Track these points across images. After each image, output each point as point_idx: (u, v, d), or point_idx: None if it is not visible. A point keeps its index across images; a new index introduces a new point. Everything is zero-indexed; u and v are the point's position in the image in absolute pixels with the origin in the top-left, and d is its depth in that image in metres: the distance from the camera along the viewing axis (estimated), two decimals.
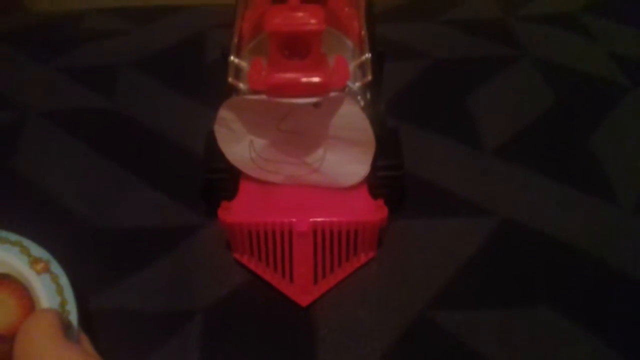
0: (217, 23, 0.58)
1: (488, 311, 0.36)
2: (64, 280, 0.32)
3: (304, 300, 0.36)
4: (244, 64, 0.36)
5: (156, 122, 0.48)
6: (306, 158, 0.37)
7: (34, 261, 0.33)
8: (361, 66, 0.36)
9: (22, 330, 0.27)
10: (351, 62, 0.36)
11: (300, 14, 0.31)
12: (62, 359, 0.26)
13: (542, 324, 0.35)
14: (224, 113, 0.35)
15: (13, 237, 0.33)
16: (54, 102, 0.50)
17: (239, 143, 0.36)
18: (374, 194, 0.38)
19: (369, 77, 0.36)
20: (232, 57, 0.36)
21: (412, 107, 0.49)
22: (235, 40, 0.38)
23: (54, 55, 0.55)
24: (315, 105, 0.34)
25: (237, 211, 0.36)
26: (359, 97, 0.37)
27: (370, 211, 0.36)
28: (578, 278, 0.37)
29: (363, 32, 0.38)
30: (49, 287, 0.32)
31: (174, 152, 0.45)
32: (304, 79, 0.32)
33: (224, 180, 0.38)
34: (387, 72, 0.43)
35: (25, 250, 0.33)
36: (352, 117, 0.35)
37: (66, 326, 0.29)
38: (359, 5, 0.40)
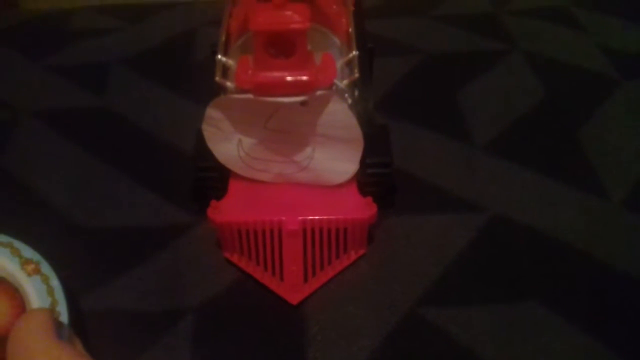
0: (208, 20, 0.58)
1: (478, 307, 0.36)
2: (54, 282, 0.32)
3: (294, 298, 0.36)
4: (231, 62, 0.36)
5: (147, 120, 0.48)
6: (295, 156, 0.37)
7: (25, 263, 0.33)
8: (349, 64, 0.36)
9: (13, 331, 0.28)
10: (339, 59, 0.36)
11: (283, 13, 0.31)
12: (53, 358, 0.26)
13: (532, 320, 0.35)
14: (211, 112, 0.35)
15: (4, 238, 0.34)
16: (45, 101, 0.50)
17: (228, 142, 0.36)
18: (364, 192, 0.38)
19: (357, 75, 0.35)
20: (219, 56, 0.36)
21: (402, 103, 0.49)
22: (223, 38, 0.38)
23: (45, 54, 0.55)
24: (303, 103, 0.34)
25: (226, 210, 0.36)
26: (346, 95, 0.37)
27: (359, 208, 0.36)
28: (567, 273, 0.38)
29: (350, 29, 0.38)
30: (40, 289, 0.32)
31: (165, 150, 0.45)
32: (290, 78, 0.32)
33: (213, 179, 0.38)
34: (377, 68, 0.43)
35: (16, 252, 0.33)
36: (339, 115, 0.35)
37: (58, 326, 0.29)
38: (346, 3, 0.40)
